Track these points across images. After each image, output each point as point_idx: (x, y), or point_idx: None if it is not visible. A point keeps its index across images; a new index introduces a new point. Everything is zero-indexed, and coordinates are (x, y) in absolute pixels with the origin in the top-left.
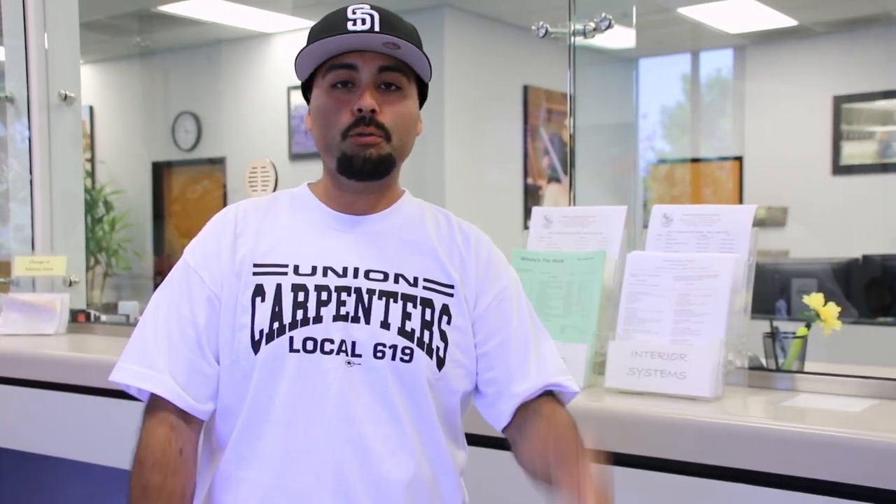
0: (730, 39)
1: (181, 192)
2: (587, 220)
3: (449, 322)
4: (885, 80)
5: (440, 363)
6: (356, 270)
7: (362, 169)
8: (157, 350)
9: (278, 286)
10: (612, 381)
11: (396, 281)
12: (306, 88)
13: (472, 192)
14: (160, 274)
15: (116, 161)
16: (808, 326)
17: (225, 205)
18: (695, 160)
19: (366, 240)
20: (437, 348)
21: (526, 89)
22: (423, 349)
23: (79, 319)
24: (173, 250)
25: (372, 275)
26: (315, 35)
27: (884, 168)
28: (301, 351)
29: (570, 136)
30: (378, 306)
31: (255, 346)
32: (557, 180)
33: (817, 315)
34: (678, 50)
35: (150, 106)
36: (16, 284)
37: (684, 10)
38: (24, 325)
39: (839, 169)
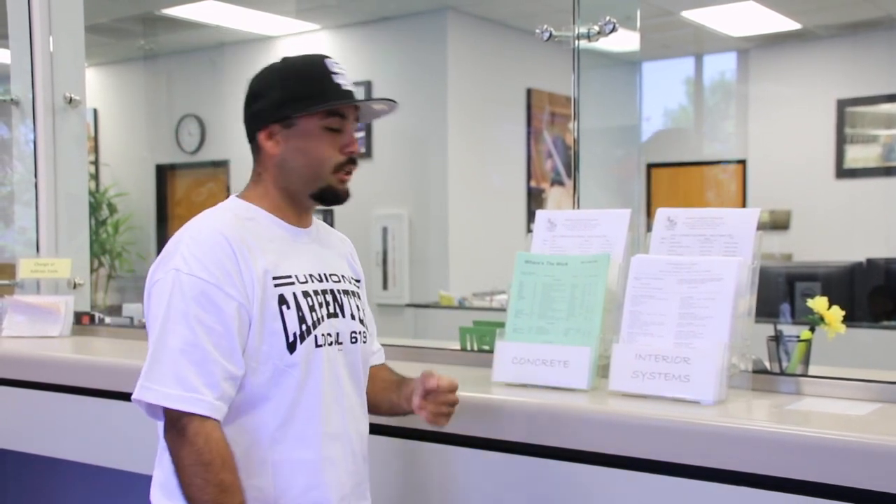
0: (733, 43)
1: (185, 195)
2: (591, 223)
3: (365, 308)
4: (889, 84)
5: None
6: (325, 275)
7: (342, 200)
8: (193, 369)
9: (294, 294)
10: (615, 384)
11: (343, 280)
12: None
13: (475, 196)
14: None
15: (120, 164)
16: (812, 330)
17: None
18: (698, 163)
19: (316, 248)
20: (368, 329)
21: (529, 92)
22: (368, 331)
23: (83, 322)
24: None
25: (332, 277)
26: (320, 86)
27: (887, 171)
28: (324, 346)
29: (574, 139)
30: (345, 302)
31: (291, 346)
32: (561, 183)
33: (821, 318)
34: (682, 53)
35: (153, 109)
36: (20, 287)
37: (688, 14)
38: (28, 327)
39: (843, 172)
